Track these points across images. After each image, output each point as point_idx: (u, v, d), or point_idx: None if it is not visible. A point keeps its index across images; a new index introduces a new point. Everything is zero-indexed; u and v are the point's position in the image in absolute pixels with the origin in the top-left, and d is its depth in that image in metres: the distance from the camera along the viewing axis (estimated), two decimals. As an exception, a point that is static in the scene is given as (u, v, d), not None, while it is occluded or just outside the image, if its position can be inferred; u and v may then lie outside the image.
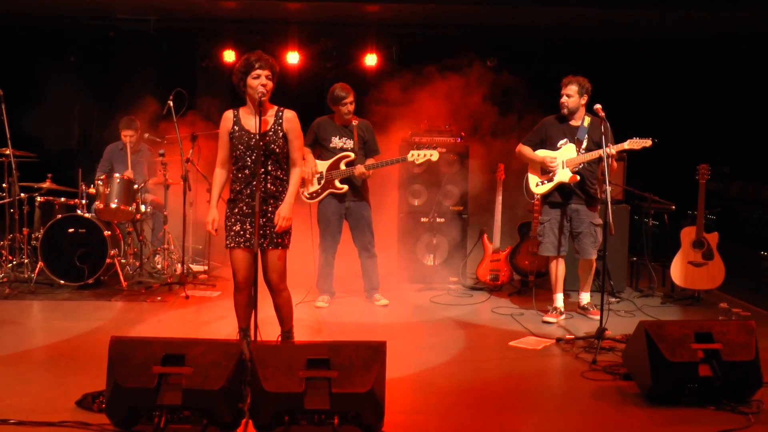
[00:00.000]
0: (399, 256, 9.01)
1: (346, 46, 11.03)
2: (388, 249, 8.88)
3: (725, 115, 10.80)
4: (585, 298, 7.57)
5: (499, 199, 8.65)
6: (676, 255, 8.15)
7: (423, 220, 8.92)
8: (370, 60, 10.84)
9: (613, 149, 6.80)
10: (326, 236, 7.76)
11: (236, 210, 5.41)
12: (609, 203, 6.26)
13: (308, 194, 7.70)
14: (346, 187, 7.64)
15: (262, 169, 5.30)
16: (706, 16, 9.83)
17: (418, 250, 9.00)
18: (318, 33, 10.94)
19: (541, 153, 7.32)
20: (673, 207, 8.47)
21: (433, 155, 7.45)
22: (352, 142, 7.67)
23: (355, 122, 7.71)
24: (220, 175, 5.58)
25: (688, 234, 8.08)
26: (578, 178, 7.15)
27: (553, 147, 7.30)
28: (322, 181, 7.66)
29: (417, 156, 7.45)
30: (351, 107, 7.62)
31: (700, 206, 7.94)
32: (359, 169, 7.45)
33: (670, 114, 10.18)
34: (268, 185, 5.32)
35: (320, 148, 7.79)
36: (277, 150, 5.34)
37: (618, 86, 8.48)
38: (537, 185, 7.37)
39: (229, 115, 5.47)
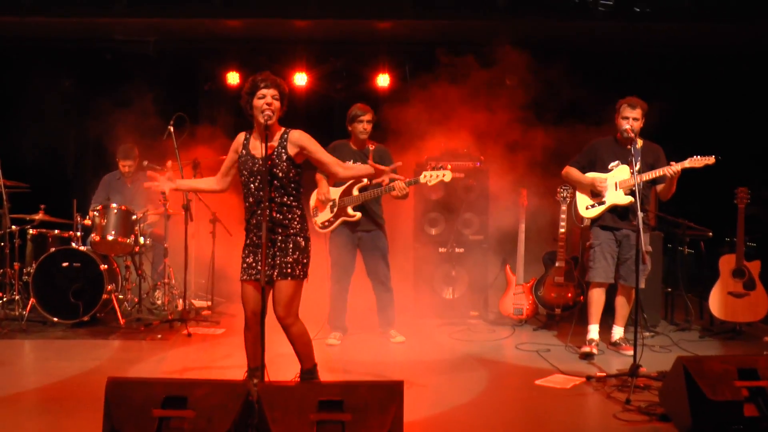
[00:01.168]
0: (416, 289, 8.98)
1: (356, 66, 11.06)
2: (404, 281, 8.86)
3: (766, 135, 10.71)
4: (618, 332, 7.48)
5: (522, 227, 8.65)
6: (714, 285, 8.07)
7: (441, 250, 8.90)
8: (383, 80, 10.87)
9: (677, 166, 6.83)
10: (338, 268, 7.72)
11: (248, 241, 5.44)
12: (641, 231, 6.22)
13: (320, 224, 7.69)
14: (358, 214, 7.61)
15: (269, 196, 5.28)
16: (735, 30, 9.83)
17: (436, 283, 8.96)
18: (327, 52, 10.98)
19: (591, 175, 7.35)
20: (710, 233, 8.37)
21: (446, 175, 7.22)
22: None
23: (371, 147, 7.72)
24: (211, 179, 5.72)
25: (727, 262, 8.01)
26: (633, 199, 7.13)
27: (604, 169, 7.33)
28: (335, 209, 7.65)
29: (429, 177, 7.29)
30: (368, 126, 7.64)
31: (740, 232, 7.87)
32: (399, 183, 7.23)
33: (706, 133, 10.10)
34: (274, 213, 5.30)
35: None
36: (281, 174, 5.31)
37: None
38: (587, 208, 7.38)
39: (241, 137, 5.52)
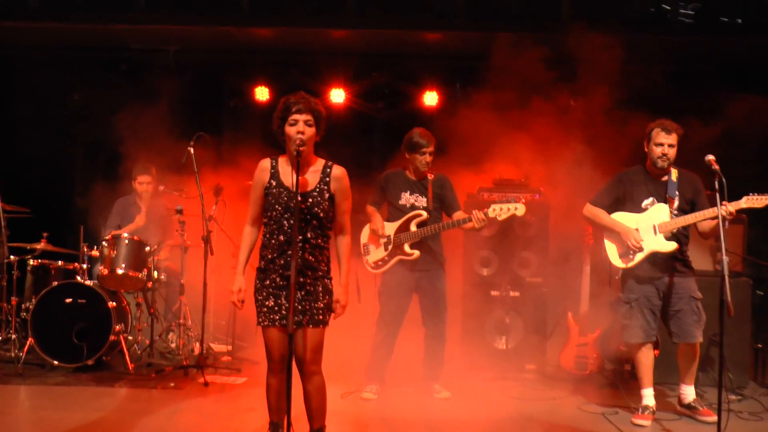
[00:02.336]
0: (463, 338, 8.87)
1: (400, 82, 11.05)
2: (451, 328, 8.53)
3: None
4: (689, 393, 7.28)
5: (587, 269, 8.53)
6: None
7: (493, 293, 8.82)
8: (430, 99, 10.84)
9: (731, 207, 6.58)
10: (389, 312, 7.65)
11: (268, 282, 5.35)
12: (726, 276, 6.04)
13: (373, 263, 7.68)
14: (417, 252, 7.55)
15: (300, 236, 5.25)
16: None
17: (487, 331, 8.87)
18: (368, 66, 10.99)
19: (621, 216, 7.15)
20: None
21: (519, 209, 7.28)
22: (425, 199, 7.63)
23: (430, 176, 7.69)
24: (249, 234, 5.53)
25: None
26: (677, 245, 6.95)
27: (636, 208, 7.13)
28: (390, 247, 7.61)
29: (499, 211, 7.27)
30: (429, 158, 7.60)
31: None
32: (478, 214, 7.21)
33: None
34: (306, 255, 5.27)
35: (388, 207, 7.77)
36: (321, 214, 5.30)
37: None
38: (621, 257, 7.16)
39: (266, 165, 5.43)
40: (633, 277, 7.12)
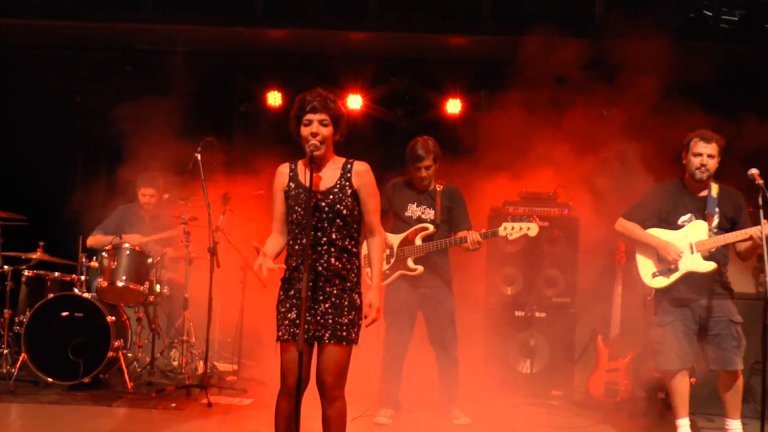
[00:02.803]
0: (485, 360, 8.83)
1: (422, 89, 10.99)
2: (472, 350, 8.68)
3: None
4: (736, 427, 7.08)
5: (619, 289, 8.43)
6: None
7: (518, 314, 8.79)
8: (453, 106, 10.79)
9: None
10: (394, 331, 7.57)
11: (292, 292, 5.17)
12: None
13: None
14: (421, 268, 7.49)
15: (324, 238, 5.14)
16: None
17: (511, 353, 8.83)
18: (388, 71, 10.92)
19: (658, 233, 6.99)
20: None
21: (531, 229, 7.30)
22: (433, 211, 7.56)
23: (439, 187, 7.62)
24: (272, 238, 5.39)
25: None
26: (716, 265, 6.79)
27: (672, 224, 6.99)
28: (392, 260, 7.53)
29: (511, 230, 7.29)
30: (425, 173, 7.55)
31: None
32: (473, 236, 7.26)
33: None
34: (332, 260, 5.13)
35: (393, 218, 7.69)
36: (345, 212, 5.16)
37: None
38: (654, 276, 7.02)
39: (284, 169, 5.34)
40: (668, 299, 6.97)
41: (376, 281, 5.25)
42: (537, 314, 8.74)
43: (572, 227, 8.83)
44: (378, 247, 5.33)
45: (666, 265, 6.92)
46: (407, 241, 7.51)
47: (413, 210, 7.57)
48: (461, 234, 7.45)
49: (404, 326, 7.57)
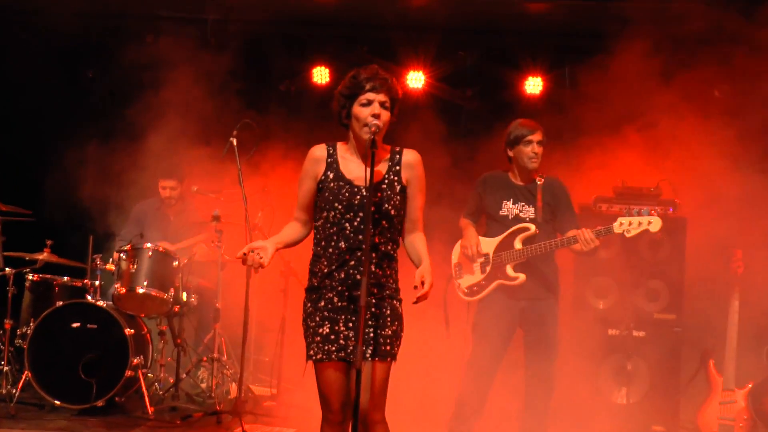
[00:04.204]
0: (572, 388, 8.63)
1: (495, 65, 10.97)
2: (558, 375, 8.49)
3: None
4: None
5: (735, 304, 8.30)
6: None
7: (611, 332, 8.70)
8: (532, 86, 10.79)
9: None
10: (483, 351, 7.43)
11: (322, 303, 5.12)
12: None
13: (466, 288, 7.48)
14: (522, 276, 7.33)
15: (378, 239, 5.09)
16: None
17: (603, 380, 8.75)
18: (454, 44, 10.93)
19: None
20: None
21: (653, 224, 7.13)
22: (533, 209, 7.43)
23: (539, 180, 7.50)
24: (290, 225, 5.39)
25: None
26: None
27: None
28: (488, 268, 7.41)
29: (628, 225, 7.14)
30: (539, 149, 7.41)
31: None
32: (585, 234, 7.09)
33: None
34: (371, 267, 5.08)
35: (486, 219, 7.63)
36: (393, 212, 5.12)
37: None
38: None
39: (320, 152, 5.24)
40: None
41: (427, 259, 5.16)
42: (635, 333, 8.63)
43: (678, 229, 8.70)
44: (423, 241, 5.27)
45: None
46: (505, 245, 7.38)
47: (509, 208, 7.44)
48: (570, 233, 7.32)
49: (499, 345, 7.42)
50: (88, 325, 8.17)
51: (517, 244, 7.31)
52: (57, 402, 8.07)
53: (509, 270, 7.31)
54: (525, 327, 7.45)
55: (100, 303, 8.30)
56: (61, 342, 8.13)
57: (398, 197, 5.12)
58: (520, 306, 7.38)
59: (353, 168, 5.13)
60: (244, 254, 5.00)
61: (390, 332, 5.08)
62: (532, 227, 7.32)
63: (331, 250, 5.09)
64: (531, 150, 7.32)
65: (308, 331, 5.15)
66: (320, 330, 5.09)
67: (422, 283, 5.01)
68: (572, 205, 7.61)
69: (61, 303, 8.24)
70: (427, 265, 5.13)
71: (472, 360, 7.46)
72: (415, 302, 5.01)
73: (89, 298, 8.38)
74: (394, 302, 5.15)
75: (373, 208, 5.01)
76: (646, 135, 8.97)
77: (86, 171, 11.10)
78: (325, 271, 5.10)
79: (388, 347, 5.06)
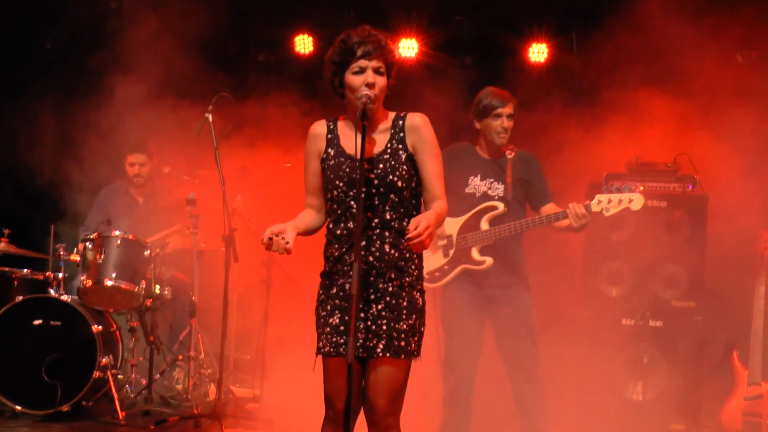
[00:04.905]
0: (582, 383, 8.75)
1: (495, 30, 10.96)
2: (564, 369, 8.73)
3: None
4: None
5: (761, 290, 8.21)
6: None
7: (625, 322, 8.67)
8: (537, 53, 10.79)
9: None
10: (457, 347, 7.42)
11: (334, 290, 5.06)
12: None
13: (427, 273, 7.37)
14: (489, 260, 7.29)
15: (376, 219, 5.00)
16: None
17: (617, 374, 8.73)
18: (449, 8, 10.93)
19: None
20: None
21: (634, 201, 7.10)
22: (502, 186, 7.39)
23: (509, 154, 7.44)
24: (304, 212, 5.30)
25: None
26: None
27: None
28: (451, 252, 7.36)
29: (607, 203, 7.12)
30: (508, 124, 7.36)
31: None
32: (576, 208, 7.04)
33: None
34: (386, 247, 5.00)
35: (452, 196, 7.42)
36: (401, 184, 5.02)
37: None
38: None
39: (320, 129, 5.21)
40: None
41: (434, 213, 4.98)
42: (651, 323, 8.58)
43: (699, 209, 8.67)
44: (441, 205, 5.12)
45: None
46: (470, 226, 7.33)
47: (476, 184, 7.40)
48: (549, 209, 7.32)
49: (470, 340, 7.38)
50: (52, 322, 8.14)
51: (484, 225, 7.28)
52: (18, 407, 8.05)
53: (475, 253, 7.28)
54: (494, 318, 7.42)
55: (64, 297, 8.25)
56: (22, 341, 8.10)
57: (404, 166, 5.04)
58: (487, 294, 7.36)
59: (352, 141, 5.06)
60: (270, 239, 4.87)
61: (406, 326, 5.01)
62: (501, 206, 7.28)
63: (339, 231, 5.04)
64: (500, 124, 7.29)
65: (319, 321, 5.12)
66: (330, 320, 5.04)
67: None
68: (546, 181, 7.59)
69: (21, 298, 8.22)
70: (429, 212, 4.97)
71: (447, 359, 7.45)
72: (404, 246, 4.88)
73: (52, 292, 8.34)
74: (414, 292, 5.08)
75: (376, 182, 4.97)
76: (662, 105, 8.92)
77: (44, 153, 11.08)
78: (336, 254, 5.06)
79: (402, 343, 4.98)
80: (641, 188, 7.32)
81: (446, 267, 7.39)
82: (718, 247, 8.69)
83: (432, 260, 7.38)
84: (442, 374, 7.50)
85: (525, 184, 7.45)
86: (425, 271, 7.19)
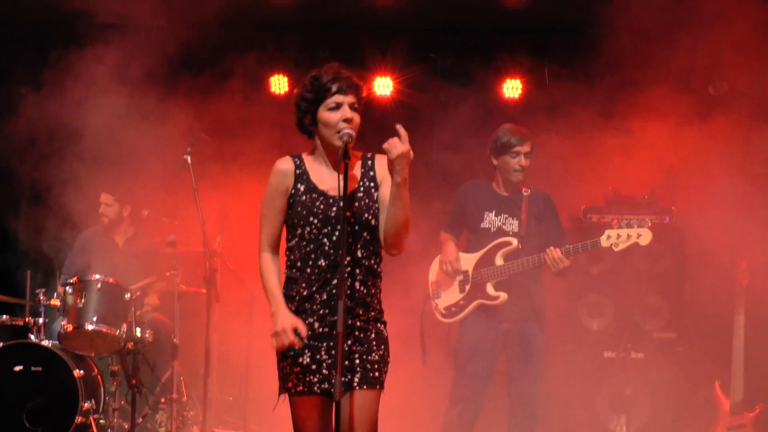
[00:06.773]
0: (566, 417, 8.84)
1: (469, 64, 10.90)
2: (548, 402, 8.55)
3: None
4: None
5: (741, 320, 8.35)
6: None
7: (607, 355, 8.84)
8: (510, 89, 10.77)
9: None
10: (466, 378, 7.47)
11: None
12: None
13: (444, 309, 7.51)
14: (504, 295, 7.36)
15: (348, 257, 4.99)
16: None
17: (600, 407, 8.84)
18: (426, 43, 10.95)
19: None
20: None
21: (642, 236, 7.22)
22: (517, 221, 7.46)
23: (525, 191, 7.53)
24: (271, 262, 5.21)
25: None
26: None
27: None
28: (467, 287, 7.43)
29: (616, 239, 7.20)
30: (525, 162, 7.45)
31: None
32: (553, 253, 7.13)
33: None
34: (356, 284, 5.03)
35: (467, 232, 7.67)
36: (374, 222, 5.05)
37: None
38: None
39: (286, 165, 5.14)
40: None
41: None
42: (633, 355, 8.73)
43: (676, 240, 8.87)
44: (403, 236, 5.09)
45: None
46: (485, 261, 7.40)
47: (491, 220, 7.47)
48: (551, 249, 7.33)
49: (481, 373, 7.45)
50: (32, 368, 8.11)
51: (498, 260, 7.34)
52: (-1, 454, 8.00)
53: (490, 288, 7.35)
54: (508, 353, 7.47)
55: (45, 343, 8.23)
56: (3, 388, 8.06)
57: (376, 205, 5.07)
58: (503, 329, 7.42)
59: (325, 177, 5.06)
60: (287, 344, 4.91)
61: (377, 357, 5.04)
62: (515, 241, 7.36)
63: (309, 270, 5.02)
64: (517, 162, 7.37)
65: (284, 362, 5.06)
66: (300, 360, 5.01)
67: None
68: (560, 220, 7.68)
69: (0, 344, 8.18)
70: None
71: (455, 388, 7.50)
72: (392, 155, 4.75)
73: (32, 337, 8.30)
74: (379, 324, 5.11)
75: (352, 220, 4.98)
76: (637, 138, 9.02)
77: (20, 193, 11.07)
78: (304, 293, 5.03)
79: (376, 373, 5.01)
80: (649, 224, 7.33)
81: (462, 302, 7.49)
82: (697, 277, 8.77)
83: (448, 296, 7.51)
84: (449, 401, 7.55)
85: (539, 223, 7.53)
86: (444, 304, 7.39)
